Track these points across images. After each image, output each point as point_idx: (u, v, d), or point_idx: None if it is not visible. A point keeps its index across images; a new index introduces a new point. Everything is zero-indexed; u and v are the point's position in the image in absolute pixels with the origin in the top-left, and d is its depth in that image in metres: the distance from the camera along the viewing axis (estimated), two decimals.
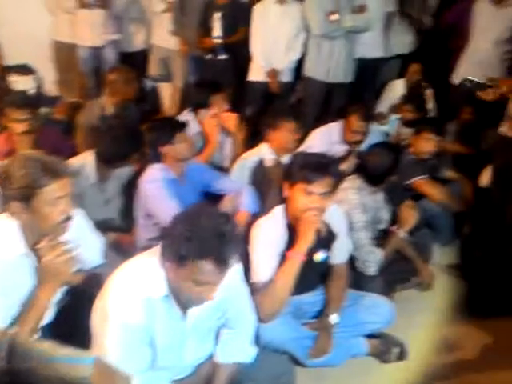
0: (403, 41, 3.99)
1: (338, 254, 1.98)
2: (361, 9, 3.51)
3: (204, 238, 1.22)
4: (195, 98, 2.87)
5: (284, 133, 2.52)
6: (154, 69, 4.56)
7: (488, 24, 3.47)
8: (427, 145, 2.89)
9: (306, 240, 1.73)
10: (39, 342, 1.30)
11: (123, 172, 2.47)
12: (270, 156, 2.53)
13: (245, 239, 1.82)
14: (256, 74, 3.74)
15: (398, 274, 2.40)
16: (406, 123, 3.50)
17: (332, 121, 3.16)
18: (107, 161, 2.39)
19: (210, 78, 3.84)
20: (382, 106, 3.82)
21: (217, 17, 3.80)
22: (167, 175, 2.23)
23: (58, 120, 3.15)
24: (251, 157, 2.54)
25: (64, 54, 4.31)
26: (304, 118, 3.59)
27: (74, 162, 2.40)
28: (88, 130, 2.92)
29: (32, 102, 2.47)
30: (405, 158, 2.95)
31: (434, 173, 2.97)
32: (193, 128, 2.77)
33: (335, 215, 1.93)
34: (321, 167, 1.74)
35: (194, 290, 1.29)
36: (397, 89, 3.82)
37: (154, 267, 1.34)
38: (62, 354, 1.17)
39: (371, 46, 3.77)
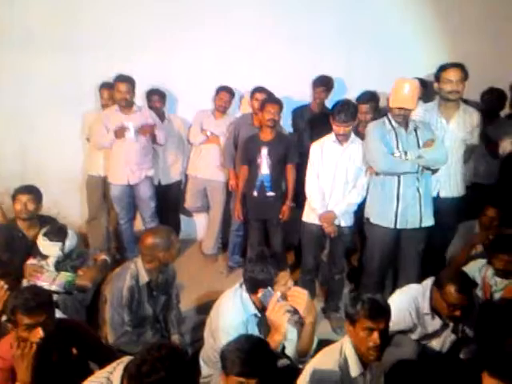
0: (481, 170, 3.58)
1: None
2: (428, 144, 3.05)
3: None
4: (257, 276, 2.16)
5: (366, 333, 1.91)
6: (190, 200, 4.20)
7: None
8: None
9: None
10: None
11: None
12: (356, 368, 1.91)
13: None
14: (310, 215, 3.26)
15: None
16: (499, 273, 2.90)
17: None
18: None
19: (258, 214, 3.55)
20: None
21: (264, 153, 3.44)
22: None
23: (80, 287, 2.59)
24: (330, 367, 1.89)
25: (96, 187, 3.96)
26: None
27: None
28: (116, 305, 2.39)
29: (46, 302, 1.87)
30: None
31: None
32: (249, 310, 2.22)
33: None
34: None
35: None
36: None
37: None
38: None
39: (447, 184, 3.23)
